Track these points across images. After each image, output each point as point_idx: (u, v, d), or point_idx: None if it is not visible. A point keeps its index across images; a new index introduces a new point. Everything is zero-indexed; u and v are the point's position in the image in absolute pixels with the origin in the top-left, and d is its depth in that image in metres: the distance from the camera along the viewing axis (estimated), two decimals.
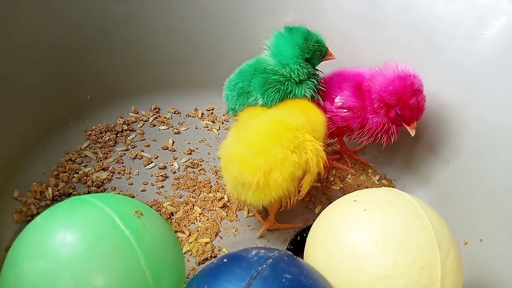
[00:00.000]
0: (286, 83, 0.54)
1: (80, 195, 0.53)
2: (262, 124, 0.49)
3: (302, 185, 0.48)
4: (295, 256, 0.36)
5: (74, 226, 0.33)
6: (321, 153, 0.48)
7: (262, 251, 0.35)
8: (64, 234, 0.32)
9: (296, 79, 0.54)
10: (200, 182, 0.62)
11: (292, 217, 0.59)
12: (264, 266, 0.33)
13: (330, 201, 0.58)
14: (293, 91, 0.55)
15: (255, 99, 0.54)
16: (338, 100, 0.57)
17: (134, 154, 0.64)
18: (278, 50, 0.55)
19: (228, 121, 0.74)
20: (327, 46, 0.57)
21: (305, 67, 0.54)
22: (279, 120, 0.48)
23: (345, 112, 0.57)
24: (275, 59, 0.55)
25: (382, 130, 0.56)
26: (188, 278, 0.43)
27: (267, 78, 0.54)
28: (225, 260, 0.35)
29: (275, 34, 0.56)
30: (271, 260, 0.33)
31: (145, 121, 0.70)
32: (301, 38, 0.54)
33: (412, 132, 0.55)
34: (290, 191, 0.47)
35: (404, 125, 0.55)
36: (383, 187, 0.56)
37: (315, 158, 0.47)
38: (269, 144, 0.46)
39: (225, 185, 0.62)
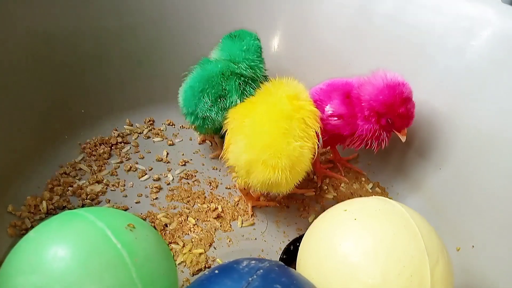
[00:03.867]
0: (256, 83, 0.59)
1: (74, 208, 0.54)
2: (267, 122, 0.49)
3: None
4: (286, 266, 0.37)
5: (66, 241, 0.33)
6: (317, 113, 0.52)
7: (253, 262, 0.35)
8: (56, 249, 0.32)
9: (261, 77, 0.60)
10: (194, 193, 0.62)
11: (287, 227, 0.59)
12: (255, 276, 0.33)
13: (323, 210, 0.59)
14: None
15: (234, 101, 0.57)
16: (328, 109, 0.57)
17: (129, 166, 0.64)
18: (237, 53, 0.59)
19: None
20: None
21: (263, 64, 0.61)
22: (277, 111, 0.50)
23: (335, 120, 0.57)
24: (241, 61, 0.59)
25: (373, 137, 0.57)
26: None
27: (240, 80, 0.58)
28: (216, 271, 0.35)
29: (224, 39, 0.61)
30: (261, 270, 0.34)
31: (139, 134, 0.71)
32: (253, 40, 0.60)
33: (403, 138, 0.56)
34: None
35: (395, 131, 0.56)
36: (373, 196, 0.56)
37: (317, 124, 0.51)
38: (284, 141, 0.48)
39: (219, 196, 0.62)
